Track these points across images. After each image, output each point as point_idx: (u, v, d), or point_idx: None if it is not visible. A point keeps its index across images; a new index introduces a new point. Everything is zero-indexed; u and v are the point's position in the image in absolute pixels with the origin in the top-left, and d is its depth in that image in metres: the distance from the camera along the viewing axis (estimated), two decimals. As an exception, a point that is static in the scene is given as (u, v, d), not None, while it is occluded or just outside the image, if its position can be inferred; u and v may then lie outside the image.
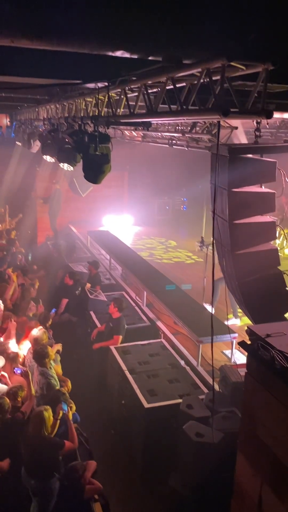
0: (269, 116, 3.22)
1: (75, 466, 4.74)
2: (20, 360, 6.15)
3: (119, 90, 4.92)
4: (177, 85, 3.88)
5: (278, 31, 3.10)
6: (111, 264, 11.67)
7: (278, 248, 5.26)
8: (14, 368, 5.61)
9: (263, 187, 5.03)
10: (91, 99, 6.09)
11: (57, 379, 5.79)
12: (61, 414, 4.93)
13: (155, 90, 4.73)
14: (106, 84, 4.72)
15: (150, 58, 3.38)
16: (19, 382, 5.47)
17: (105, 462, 5.66)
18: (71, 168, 6.93)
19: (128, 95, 4.94)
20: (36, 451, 4.66)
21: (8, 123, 15.43)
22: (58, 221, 14.85)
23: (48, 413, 4.75)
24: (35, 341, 6.14)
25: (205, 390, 5.86)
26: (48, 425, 4.73)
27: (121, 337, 7.21)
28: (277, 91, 4.18)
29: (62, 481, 4.67)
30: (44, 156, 8.50)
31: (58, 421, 4.92)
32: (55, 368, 6.06)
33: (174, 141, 8.73)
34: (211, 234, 4.53)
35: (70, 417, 5.11)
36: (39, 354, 5.73)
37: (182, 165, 14.95)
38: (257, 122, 4.70)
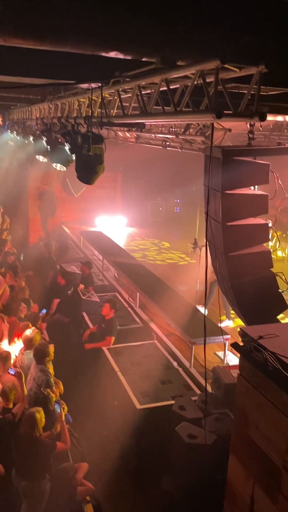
0: (263, 118, 3.22)
1: (67, 467, 4.72)
2: (12, 361, 6.12)
3: (113, 91, 4.91)
4: (171, 87, 3.87)
5: (272, 34, 3.11)
6: (104, 265, 11.65)
7: (271, 250, 5.28)
8: (8, 369, 5.58)
9: (256, 189, 5.04)
10: (84, 100, 6.07)
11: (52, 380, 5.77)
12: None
13: (148, 91, 4.73)
14: (100, 84, 4.70)
15: (144, 59, 3.37)
16: (11, 382, 5.43)
17: (97, 463, 5.64)
18: (64, 168, 6.92)
19: (122, 96, 4.93)
20: (28, 452, 4.64)
21: (1, 122, 15.34)
22: (50, 221, 14.77)
23: (40, 415, 4.73)
24: (29, 342, 6.11)
25: (198, 392, 5.86)
26: (40, 426, 4.70)
27: (113, 338, 7.20)
28: (271, 93, 4.19)
29: (53, 482, 4.65)
30: (37, 156, 8.48)
31: None
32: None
33: (167, 143, 8.73)
34: (204, 235, 4.53)
35: (63, 418, 5.08)
36: (41, 352, 5.72)
37: (176, 166, 14.93)
38: (250, 125, 4.72)
